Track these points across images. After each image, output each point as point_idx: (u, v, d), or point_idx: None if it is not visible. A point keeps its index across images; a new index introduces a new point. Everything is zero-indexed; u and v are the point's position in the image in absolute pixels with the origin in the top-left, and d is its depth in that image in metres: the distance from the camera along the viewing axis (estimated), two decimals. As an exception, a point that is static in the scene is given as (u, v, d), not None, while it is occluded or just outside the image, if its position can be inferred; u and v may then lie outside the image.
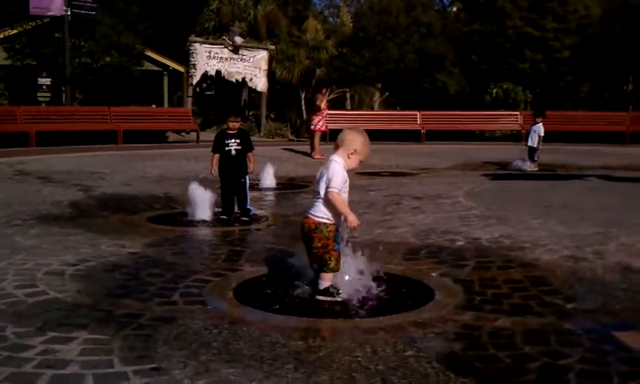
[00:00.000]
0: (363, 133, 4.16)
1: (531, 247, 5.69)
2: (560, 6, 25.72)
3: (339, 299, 4.05)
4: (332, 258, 4.04)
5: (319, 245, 4.02)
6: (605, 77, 26.04)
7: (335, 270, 4.07)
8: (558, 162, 13.91)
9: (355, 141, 4.10)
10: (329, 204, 4.02)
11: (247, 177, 7.20)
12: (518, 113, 22.50)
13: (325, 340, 3.44)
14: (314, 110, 15.63)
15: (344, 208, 4.00)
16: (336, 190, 3.97)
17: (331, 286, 4.07)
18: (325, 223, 4.03)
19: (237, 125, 7.17)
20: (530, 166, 12.76)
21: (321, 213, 4.03)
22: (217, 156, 7.12)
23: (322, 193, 4.03)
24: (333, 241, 4.04)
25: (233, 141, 7.07)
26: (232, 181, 7.07)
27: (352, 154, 4.09)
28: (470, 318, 3.84)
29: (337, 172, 4.02)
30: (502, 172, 12.46)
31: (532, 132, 12.98)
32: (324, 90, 16.53)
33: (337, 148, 4.14)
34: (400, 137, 20.81)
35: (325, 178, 4.03)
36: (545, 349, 3.32)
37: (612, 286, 4.49)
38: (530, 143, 13.00)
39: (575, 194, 9.35)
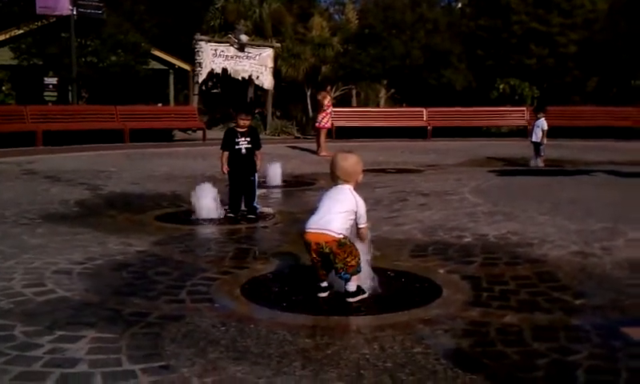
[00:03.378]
0: (352, 154, 4.25)
1: (539, 243, 5.67)
2: (566, 1, 25.62)
3: (366, 295, 4.05)
4: (357, 259, 3.99)
5: (345, 255, 3.94)
6: (612, 72, 25.93)
7: (360, 268, 4.05)
8: (565, 158, 13.87)
9: (357, 165, 4.16)
10: (345, 222, 4.01)
11: (256, 175, 7.21)
12: (524, 108, 22.44)
13: (333, 337, 3.43)
14: (318, 107, 15.64)
15: (367, 244, 4.22)
16: (368, 224, 4.19)
17: (358, 285, 4.05)
18: (345, 236, 3.99)
19: (247, 123, 7.17)
20: (536, 162, 12.78)
21: (340, 230, 3.97)
22: (226, 153, 7.12)
23: (342, 212, 4.00)
24: (352, 244, 4.03)
25: (243, 139, 7.07)
26: (241, 179, 7.08)
27: (358, 177, 4.18)
28: (477, 314, 3.83)
29: (364, 206, 4.10)
30: (509, 168, 12.44)
31: (535, 127, 13.07)
32: (328, 88, 16.55)
33: (345, 180, 4.11)
34: (406, 134, 20.80)
35: (347, 207, 4.01)
36: (553, 345, 3.31)
37: (621, 282, 4.47)
38: (534, 139, 13.05)
39: (583, 189, 9.31)
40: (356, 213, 4.06)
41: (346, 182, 4.12)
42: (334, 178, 4.16)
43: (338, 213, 4.00)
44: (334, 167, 4.15)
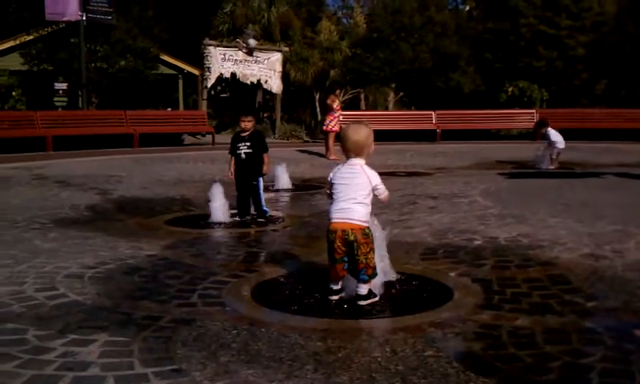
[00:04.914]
0: (362, 126, 4.18)
1: (550, 246, 5.65)
2: (574, 3, 25.52)
3: (377, 298, 4.05)
4: (373, 260, 4.00)
5: (368, 249, 3.95)
6: (620, 74, 25.81)
7: (377, 273, 4.05)
8: (574, 160, 13.81)
9: (369, 139, 4.11)
10: (368, 208, 4.02)
11: (260, 179, 7.20)
12: (533, 111, 22.37)
13: (344, 341, 3.42)
14: (326, 110, 15.63)
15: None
16: (387, 193, 4.17)
17: (369, 288, 4.04)
18: (368, 227, 4.01)
19: (249, 125, 7.14)
20: (547, 165, 12.73)
21: (365, 217, 3.99)
22: (233, 158, 7.15)
23: (362, 198, 3.99)
24: (373, 242, 4.03)
25: (243, 144, 7.08)
26: (244, 183, 7.10)
27: (370, 149, 4.13)
28: (489, 317, 3.81)
29: (377, 177, 4.07)
30: (519, 170, 12.40)
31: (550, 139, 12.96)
32: (337, 91, 16.51)
33: (356, 154, 4.07)
34: (415, 137, 20.78)
35: (364, 185, 3.99)
36: (566, 348, 3.30)
37: (633, 284, 4.45)
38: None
39: (593, 191, 9.27)
40: (372, 189, 4.04)
41: (358, 155, 4.07)
42: (345, 151, 4.13)
43: (358, 203, 3.98)
44: (346, 140, 4.11)
